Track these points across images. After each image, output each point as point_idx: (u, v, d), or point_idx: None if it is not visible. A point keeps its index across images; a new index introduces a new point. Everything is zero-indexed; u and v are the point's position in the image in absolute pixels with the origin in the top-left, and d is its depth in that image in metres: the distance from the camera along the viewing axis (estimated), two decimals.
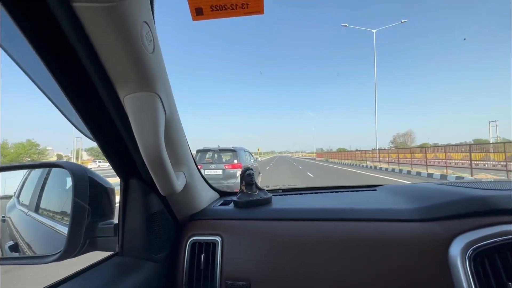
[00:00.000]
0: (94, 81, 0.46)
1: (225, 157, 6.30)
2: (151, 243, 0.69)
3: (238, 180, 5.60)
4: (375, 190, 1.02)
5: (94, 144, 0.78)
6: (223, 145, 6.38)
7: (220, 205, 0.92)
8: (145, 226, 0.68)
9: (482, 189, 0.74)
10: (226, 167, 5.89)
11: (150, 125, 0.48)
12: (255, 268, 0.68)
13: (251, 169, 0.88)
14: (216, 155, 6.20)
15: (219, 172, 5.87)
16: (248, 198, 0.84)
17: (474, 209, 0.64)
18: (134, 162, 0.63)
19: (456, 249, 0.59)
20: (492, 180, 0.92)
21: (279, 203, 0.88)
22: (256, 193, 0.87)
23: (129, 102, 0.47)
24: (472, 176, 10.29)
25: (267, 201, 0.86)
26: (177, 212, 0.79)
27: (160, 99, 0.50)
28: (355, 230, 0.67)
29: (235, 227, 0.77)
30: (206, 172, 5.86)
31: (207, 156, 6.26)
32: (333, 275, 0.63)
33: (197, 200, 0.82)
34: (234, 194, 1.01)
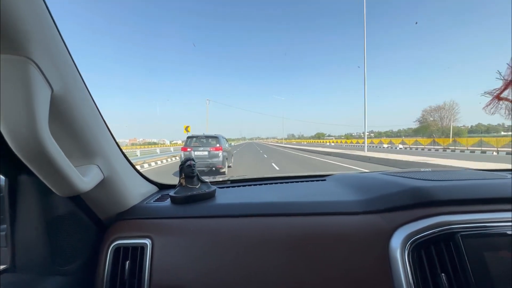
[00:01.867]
0: None
1: (210, 141, 7.94)
2: (56, 253, 0.59)
3: (221, 159, 7.43)
4: (324, 179, 1.02)
5: None
6: (207, 133, 8.07)
7: (156, 200, 0.81)
8: (45, 233, 0.58)
9: (424, 179, 0.74)
10: (211, 149, 7.55)
11: (18, 105, 0.36)
12: (191, 273, 0.61)
13: (192, 159, 0.81)
14: (203, 140, 7.83)
15: (206, 153, 7.51)
16: (187, 192, 0.76)
17: (415, 200, 0.64)
18: None
19: (396, 241, 0.58)
20: (434, 170, 0.93)
21: (223, 196, 0.82)
22: (197, 186, 0.79)
23: None
24: None
25: (210, 195, 0.80)
26: (99, 211, 0.69)
27: (39, 68, 0.38)
28: (299, 225, 0.65)
29: (169, 227, 0.68)
30: (195, 153, 7.48)
31: (194, 140, 7.87)
32: (275, 274, 0.60)
33: (124, 196, 0.71)
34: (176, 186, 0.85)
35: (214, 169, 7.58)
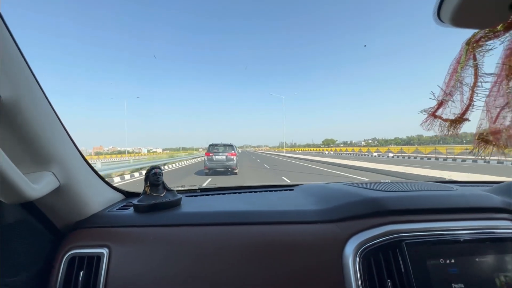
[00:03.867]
0: None
1: (227, 148, 10.34)
2: (3, 263, 0.55)
3: (235, 162, 9.92)
4: (292, 189, 1.03)
5: None
6: (224, 142, 10.61)
7: (119, 209, 0.80)
8: None
9: (381, 190, 0.77)
10: (228, 155, 9.93)
11: None
12: (148, 282, 0.60)
13: (159, 168, 0.80)
14: (222, 147, 10.23)
15: (224, 157, 9.89)
16: (151, 200, 0.75)
17: (368, 210, 0.67)
18: None
19: (349, 249, 0.60)
20: (393, 182, 0.95)
21: (189, 205, 0.82)
22: (162, 195, 0.78)
23: None
24: None
25: (174, 204, 0.79)
26: (55, 219, 0.67)
27: None
28: (257, 234, 0.66)
29: (129, 235, 0.67)
30: (216, 157, 9.84)
31: (215, 148, 10.27)
32: (233, 283, 0.60)
33: (83, 204, 0.70)
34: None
35: (230, 169, 9.95)
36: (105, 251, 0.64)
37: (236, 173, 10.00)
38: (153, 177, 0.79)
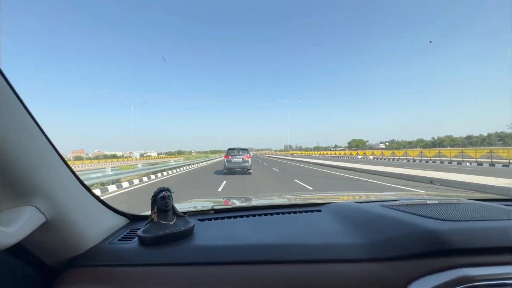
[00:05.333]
0: None
1: (243, 151, 12.15)
2: None
3: (250, 163, 11.90)
4: (320, 210, 0.91)
5: None
6: (239, 145, 12.52)
7: (122, 239, 0.68)
8: None
9: (433, 218, 0.65)
10: (244, 157, 11.80)
11: None
12: None
13: (168, 190, 0.69)
14: (239, 151, 12.14)
15: (240, 159, 11.72)
16: (159, 230, 0.64)
17: (430, 248, 0.54)
18: None
19: None
20: (436, 203, 0.82)
21: (204, 234, 0.70)
22: (171, 223, 0.67)
23: None
24: None
25: (187, 233, 0.68)
26: (44, 257, 0.56)
27: None
28: (290, 277, 0.54)
29: (133, 277, 0.56)
30: (234, 159, 11.64)
31: (232, 151, 12.08)
32: None
33: (78, 238, 0.58)
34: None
35: (245, 169, 11.70)
36: None
37: (250, 173, 11.82)
38: (162, 201, 0.67)
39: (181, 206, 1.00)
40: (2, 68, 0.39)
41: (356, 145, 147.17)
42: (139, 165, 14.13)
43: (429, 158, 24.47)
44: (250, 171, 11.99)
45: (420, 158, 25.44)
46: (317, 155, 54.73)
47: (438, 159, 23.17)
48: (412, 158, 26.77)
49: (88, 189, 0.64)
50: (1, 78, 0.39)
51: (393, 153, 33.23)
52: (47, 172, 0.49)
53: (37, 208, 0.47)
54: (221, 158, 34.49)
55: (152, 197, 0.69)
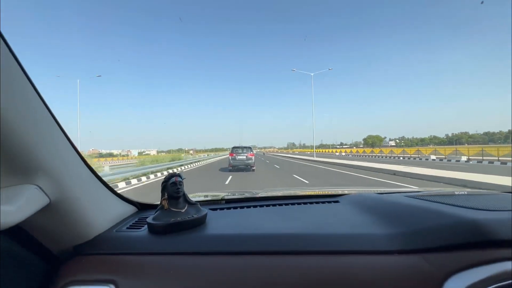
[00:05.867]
0: None
1: (246, 149, 12.56)
2: None
3: (253, 161, 12.48)
4: (337, 201, 0.86)
5: None
6: (243, 144, 12.88)
7: (130, 227, 0.65)
8: None
9: (471, 208, 0.59)
10: (248, 155, 12.20)
11: None
12: None
13: (179, 175, 0.65)
14: (242, 149, 12.52)
15: (244, 157, 12.15)
16: (170, 218, 0.60)
17: (469, 239, 0.49)
18: None
19: None
20: (472, 194, 0.77)
21: (216, 223, 0.67)
22: (183, 210, 0.63)
23: None
24: None
25: (199, 222, 0.64)
26: (49, 243, 0.54)
27: None
28: (313, 269, 0.49)
29: (143, 266, 0.52)
30: (238, 157, 12.07)
31: (237, 149, 12.53)
32: None
33: (85, 224, 0.55)
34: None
35: (249, 167, 12.17)
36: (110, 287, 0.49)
37: (253, 170, 12.24)
38: (172, 187, 0.63)
39: (192, 196, 0.95)
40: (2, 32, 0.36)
41: (373, 141, 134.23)
42: (106, 168, 11.17)
43: (443, 156, 22.20)
44: (254, 168, 12.31)
45: (443, 157, 22.34)
46: (337, 153, 45.85)
47: (455, 156, 21.14)
48: (442, 156, 23.25)
49: (95, 173, 0.61)
50: (2, 42, 0.36)
51: (404, 150, 30.29)
52: (52, 150, 0.46)
53: (40, 187, 0.44)
54: (220, 157, 34.14)
55: (162, 183, 0.65)
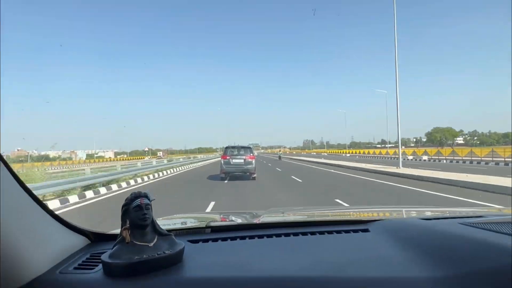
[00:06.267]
0: None
1: (245, 151, 9.70)
2: None
3: (254, 165, 9.21)
4: (366, 230, 0.67)
5: None
6: (241, 144, 10.08)
7: (79, 266, 0.50)
8: None
9: None
10: (246, 158, 9.30)
11: None
12: None
13: (146, 196, 0.49)
14: (239, 150, 9.60)
15: (242, 160, 9.23)
16: (134, 255, 0.45)
17: None
18: None
19: None
20: None
21: (198, 261, 0.52)
22: (151, 244, 0.48)
23: None
24: None
25: (173, 260, 0.48)
26: None
27: None
28: None
29: None
30: (233, 161, 9.16)
31: (232, 150, 9.65)
32: None
33: (18, 263, 0.41)
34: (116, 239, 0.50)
35: (248, 174, 9.25)
36: None
37: (254, 178, 9.30)
38: (137, 212, 0.47)
39: (164, 223, 0.72)
40: None
41: (442, 137, 78.55)
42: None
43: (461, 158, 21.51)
44: (254, 175, 9.37)
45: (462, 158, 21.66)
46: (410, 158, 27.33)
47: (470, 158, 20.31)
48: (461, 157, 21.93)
49: (32, 195, 0.48)
50: None
51: (426, 151, 29.12)
52: None
53: None
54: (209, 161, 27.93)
55: (123, 206, 0.50)
